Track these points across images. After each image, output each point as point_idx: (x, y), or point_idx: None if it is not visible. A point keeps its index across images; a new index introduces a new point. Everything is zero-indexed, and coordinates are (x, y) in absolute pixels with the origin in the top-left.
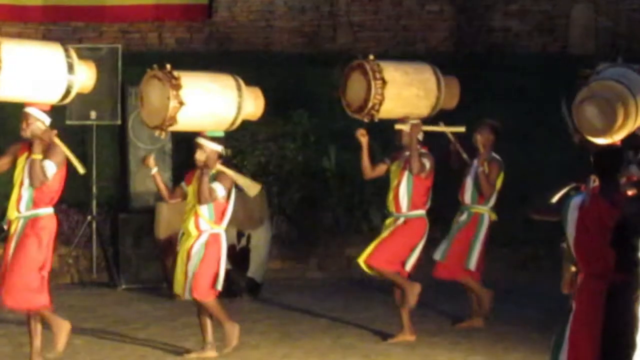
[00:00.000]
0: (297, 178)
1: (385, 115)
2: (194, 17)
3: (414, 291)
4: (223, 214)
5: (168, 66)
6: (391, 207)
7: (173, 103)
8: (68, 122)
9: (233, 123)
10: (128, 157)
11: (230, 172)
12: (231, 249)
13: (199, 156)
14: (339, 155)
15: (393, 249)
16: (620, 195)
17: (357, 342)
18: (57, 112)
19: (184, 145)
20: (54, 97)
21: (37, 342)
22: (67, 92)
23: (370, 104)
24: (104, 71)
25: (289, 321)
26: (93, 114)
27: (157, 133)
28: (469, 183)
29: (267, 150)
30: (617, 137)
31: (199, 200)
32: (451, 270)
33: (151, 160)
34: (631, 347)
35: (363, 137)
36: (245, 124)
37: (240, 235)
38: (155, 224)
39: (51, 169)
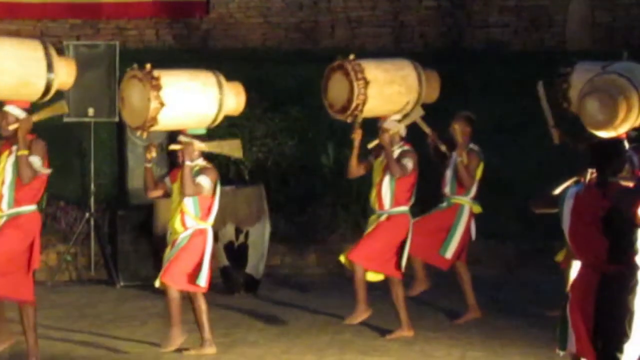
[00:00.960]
0: (296, 174)
1: (369, 114)
2: (192, 13)
3: (362, 312)
4: (209, 209)
5: (148, 66)
6: (374, 204)
7: (154, 104)
8: (66, 119)
9: (215, 120)
10: (126, 154)
11: (211, 146)
12: (229, 245)
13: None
14: (337, 152)
15: (375, 246)
16: (613, 186)
17: (355, 338)
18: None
19: None
20: (33, 94)
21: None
22: (47, 90)
23: (353, 105)
24: (102, 68)
25: (288, 317)
26: (91, 111)
27: (138, 133)
28: (448, 175)
29: (265, 147)
30: (620, 130)
31: (184, 193)
32: (423, 251)
33: (153, 152)
34: (623, 336)
35: (357, 136)
36: (244, 120)
37: (238, 231)
38: (153, 220)
39: (38, 162)
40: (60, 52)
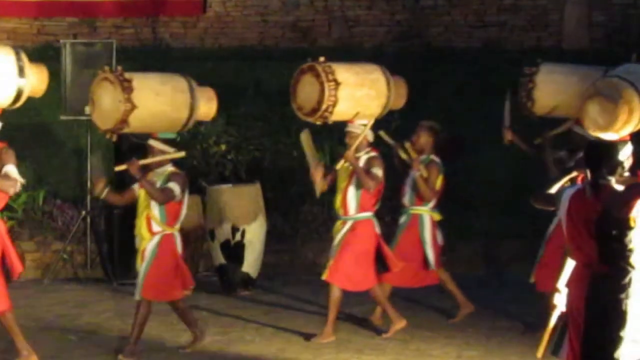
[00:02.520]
0: (292, 173)
1: (339, 117)
2: (189, 12)
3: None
4: (176, 215)
5: (119, 68)
6: (339, 209)
7: (125, 106)
8: (62, 117)
9: (185, 125)
10: (122, 152)
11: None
12: (226, 244)
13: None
14: (333, 150)
15: (349, 264)
16: (606, 188)
17: (352, 337)
18: (51, 108)
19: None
20: (3, 100)
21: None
22: (18, 96)
23: (324, 106)
24: (98, 67)
25: (284, 316)
26: (87, 109)
27: (108, 136)
28: (407, 186)
29: (261, 146)
30: (623, 133)
31: (157, 202)
32: (402, 278)
33: (101, 187)
34: (613, 341)
35: (318, 174)
36: (240, 119)
37: (235, 230)
38: None
39: (15, 170)
40: (57, 50)
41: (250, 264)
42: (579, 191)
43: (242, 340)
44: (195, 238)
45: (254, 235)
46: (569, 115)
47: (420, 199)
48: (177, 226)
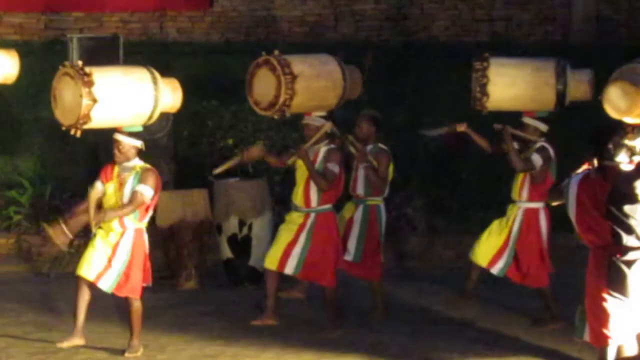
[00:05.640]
0: None
1: (296, 110)
2: (195, 6)
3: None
4: (147, 210)
5: (79, 63)
6: (300, 201)
7: (86, 101)
8: None
9: (151, 117)
10: None
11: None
12: (233, 238)
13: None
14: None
15: (319, 262)
16: (612, 170)
17: (357, 330)
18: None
19: (184, 135)
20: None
21: None
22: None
23: (281, 100)
24: (105, 61)
25: (291, 309)
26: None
27: (72, 132)
28: (360, 176)
29: (268, 140)
30: None
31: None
32: (368, 271)
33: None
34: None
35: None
36: (247, 113)
37: (242, 224)
38: (156, 212)
39: None
40: (64, 45)
41: (257, 258)
42: (586, 176)
43: (250, 332)
44: (202, 232)
45: (261, 229)
46: (521, 108)
47: (376, 190)
48: (146, 220)
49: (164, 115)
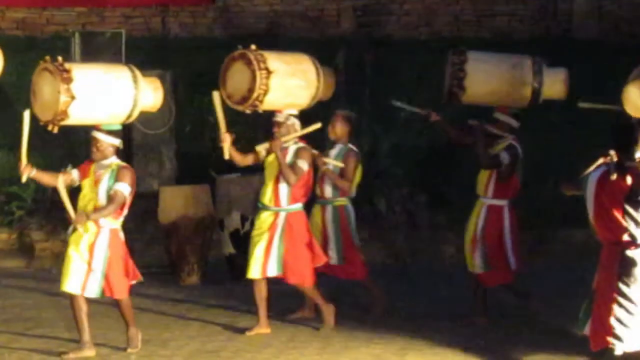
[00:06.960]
0: None
1: (269, 107)
2: (198, 1)
3: (329, 311)
4: (122, 209)
5: (59, 58)
6: (269, 201)
7: (64, 97)
8: None
9: (130, 116)
10: (131, 142)
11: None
12: (235, 233)
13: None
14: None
15: (297, 263)
16: (632, 169)
17: (360, 326)
18: None
19: (186, 130)
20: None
21: None
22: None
23: (255, 95)
24: (107, 56)
25: (292, 304)
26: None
27: (49, 128)
28: (327, 178)
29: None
30: None
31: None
32: (352, 272)
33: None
34: None
35: (225, 142)
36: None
37: (244, 219)
38: (158, 208)
39: None
40: (67, 40)
41: None
42: (605, 173)
43: (252, 328)
44: (205, 227)
45: None
46: (495, 103)
47: (342, 192)
48: (122, 219)
49: (166, 111)
